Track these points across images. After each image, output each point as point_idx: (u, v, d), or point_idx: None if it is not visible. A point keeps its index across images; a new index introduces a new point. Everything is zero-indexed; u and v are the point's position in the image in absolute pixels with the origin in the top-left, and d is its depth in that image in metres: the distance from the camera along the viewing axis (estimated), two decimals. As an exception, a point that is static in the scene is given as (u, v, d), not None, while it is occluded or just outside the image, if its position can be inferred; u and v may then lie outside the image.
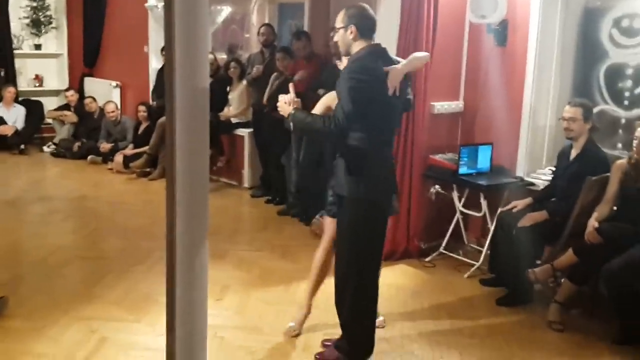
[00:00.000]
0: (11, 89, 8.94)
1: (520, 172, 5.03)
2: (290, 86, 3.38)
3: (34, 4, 9.65)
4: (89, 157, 8.31)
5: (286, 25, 7.30)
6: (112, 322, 3.81)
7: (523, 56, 4.98)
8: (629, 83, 4.72)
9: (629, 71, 4.71)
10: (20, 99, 9.18)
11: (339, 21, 3.17)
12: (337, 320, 3.42)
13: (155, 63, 8.45)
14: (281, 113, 3.26)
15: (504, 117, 5.12)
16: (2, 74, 9.24)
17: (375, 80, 3.07)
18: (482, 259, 4.81)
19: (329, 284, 3.77)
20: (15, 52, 9.47)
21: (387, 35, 4.87)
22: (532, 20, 4.91)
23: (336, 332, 3.51)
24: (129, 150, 7.96)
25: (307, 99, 5.82)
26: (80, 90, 9.47)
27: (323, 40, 6.26)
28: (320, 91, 5.71)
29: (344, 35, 3.17)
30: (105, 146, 8.21)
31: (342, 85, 3.08)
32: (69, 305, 4.00)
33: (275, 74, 6.28)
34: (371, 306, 3.36)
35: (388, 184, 3.26)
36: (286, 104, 3.23)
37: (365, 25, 3.15)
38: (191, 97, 1.47)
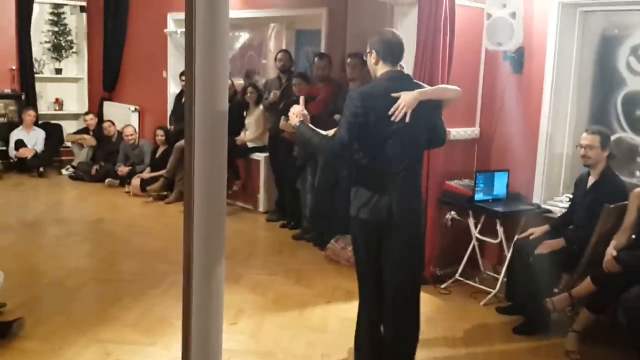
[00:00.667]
0: (31, 112, 9.09)
1: (537, 199, 5.01)
2: (301, 99, 3.42)
3: (56, 29, 9.85)
4: (107, 180, 8.40)
5: (303, 51, 7.37)
6: (128, 345, 3.81)
7: (539, 83, 4.99)
8: (646, 111, 4.72)
9: (647, 99, 4.70)
10: (40, 122, 9.32)
11: (367, 46, 3.24)
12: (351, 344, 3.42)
13: (173, 88, 8.56)
14: (289, 123, 3.30)
15: (521, 143, 5.12)
16: (23, 97, 9.39)
17: (372, 107, 3.07)
18: (498, 286, 4.77)
19: (344, 308, 3.77)
20: (36, 75, 9.64)
21: (404, 61, 4.93)
22: (548, 47, 4.93)
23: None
24: (146, 174, 8.03)
25: (322, 123, 5.89)
26: (99, 114, 9.60)
27: (339, 66, 6.32)
28: (337, 116, 5.75)
29: (369, 60, 3.23)
30: (123, 169, 8.29)
31: (344, 108, 3.11)
32: (86, 327, 4.02)
33: (288, 99, 6.32)
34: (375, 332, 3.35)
35: (383, 204, 3.17)
36: (295, 115, 3.25)
37: (385, 50, 3.17)
38: (210, 121, 1.49)
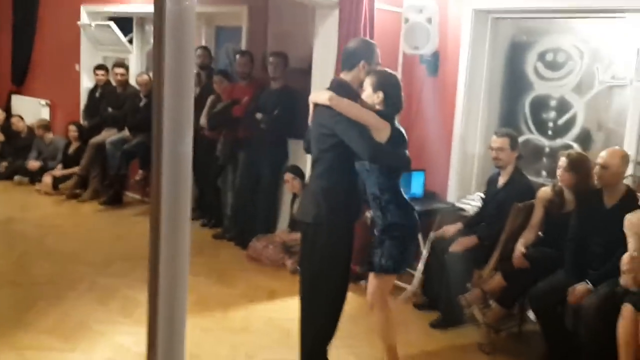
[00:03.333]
0: None
1: (451, 198, 5.22)
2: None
3: (-41, 18, 9.34)
4: (16, 178, 8.06)
5: (223, 48, 7.33)
6: (46, 352, 3.70)
7: (453, 86, 5.19)
8: (552, 114, 5.00)
9: (553, 102, 4.98)
10: (-58, 116, 8.82)
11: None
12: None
13: (87, 82, 8.29)
14: None
15: (436, 144, 5.31)
16: None
17: None
18: (415, 282, 4.94)
19: (268, 307, 3.81)
20: (-62, 67, 9.11)
21: (325, 63, 5.01)
22: (462, 52, 5.13)
23: None
24: (59, 171, 7.76)
25: (246, 123, 5.91)
26: (8, 109, 9.18)
27: (260, 63, 6.33)
28: (258, 115, 5.78)
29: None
30: (33, 164, 7.98)
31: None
32: (1, 332, 3.87)
33: (212, 96, 6.29)
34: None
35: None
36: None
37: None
38: (178, 120, 1.47)
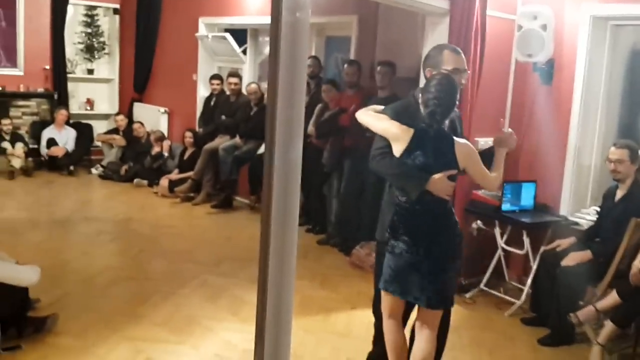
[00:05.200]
0: (63, 112, 9.27)
1: (564, 211, 5.02)
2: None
3: (89, 30, 10.04)
4: (135, 181, 8.54)
5: (332, 58, 7.44)
6: (158, 344, 3.90)
7: (569, 96, 5.00)
8: (676, 126, 4.71)
9: (677, 113, 4.69)
10: (71, 121, 9.51)
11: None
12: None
13: (203, 91, 8.67)
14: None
15: (549, 155, 5.13)
16: (56, 96, 9.58)
17: None
18: (523, 297, 4.79)
19: (369, 314, 3.82)
20: (69, 75, 9.81)
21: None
22: (578, 60, 4.94)
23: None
24: (174, 175, 8.15)
25: (353, 133, 5.96)
26: (130, 115, 9.75)
27: (368, 73, 6.38)
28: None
29: None
30: (170, 177, 8.18)
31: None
32: (116, 324, 4.12)
33: (320, 105, 6.40)
34: None
35: None
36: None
37: None
38: (289, 126, 1.52)
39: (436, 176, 2.96)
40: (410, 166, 2.99)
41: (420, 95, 3.03)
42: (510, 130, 3.39)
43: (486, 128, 5.26)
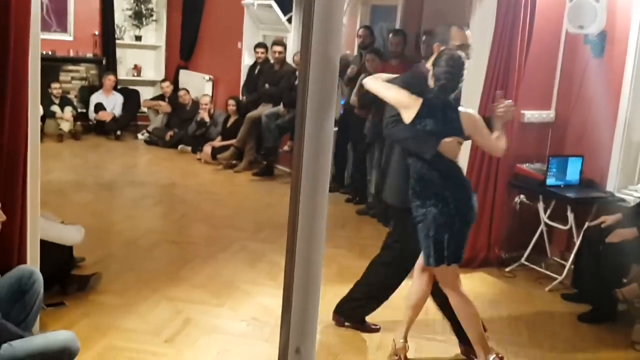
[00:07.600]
0: (111, 77, 9.42)
1: (610, 187, 4.89)
2: None
3: (137, -3, 10.13)
4: (180, 147, 8.66)
5: (377, 27, 7.34)
6: (197, 305, 3.98)
7: (620, 69, 4.84)
8: None
9: None
10: (119, 87, 9.66)
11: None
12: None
13: (247, 59, 8.67)
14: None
15: (597, 129, 4.99)
16: (104, 62, 9.74)
17: None
18: (565, 273, 4.71)
19: (405, 284, 3.82)
20: (117, 42, 9.95)
21: (480, 42, 4.86)
22: (632, 33, 4.76)
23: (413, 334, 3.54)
24: (217, 142, 8.23)
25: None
26: (175, 82, 9.85)
27: (414, 43, 6.28)
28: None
29: None
30: (213, 144, 8.31)
31: None
32: (157, 285, 4.21)
33: (363, 74, 6.33)
34: None
35: None
36: None
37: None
38: (321, 98, 1.51)
39: (447, 139, 3.18)
40: (420, 131, 3.19)
41: (431, 68, 3.21)
42: (510, 101, 3.33)
43: (535, 101, 5.14)
